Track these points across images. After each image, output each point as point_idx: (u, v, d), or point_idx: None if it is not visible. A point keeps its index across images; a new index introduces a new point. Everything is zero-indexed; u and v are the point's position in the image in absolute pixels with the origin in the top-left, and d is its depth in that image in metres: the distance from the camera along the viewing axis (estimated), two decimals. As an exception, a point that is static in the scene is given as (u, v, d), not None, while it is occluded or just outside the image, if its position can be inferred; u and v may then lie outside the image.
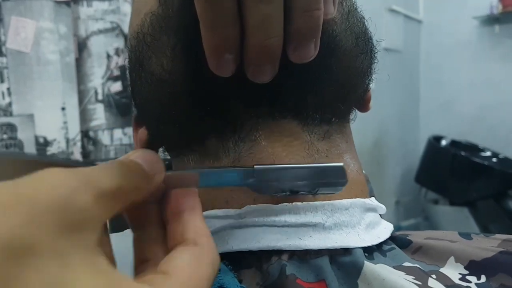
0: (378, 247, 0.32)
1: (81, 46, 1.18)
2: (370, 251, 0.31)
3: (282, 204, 0.30)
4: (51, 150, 1.12)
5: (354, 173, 0.34)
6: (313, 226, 0.30)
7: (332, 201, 0.31)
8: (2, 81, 1.08)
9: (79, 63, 1.17)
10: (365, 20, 0.36)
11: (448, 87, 2.94)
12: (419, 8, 3.01)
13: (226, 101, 0.31)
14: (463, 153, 2.54)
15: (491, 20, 2.70)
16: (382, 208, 0.35)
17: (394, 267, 0.29)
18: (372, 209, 0.33)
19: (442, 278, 0.29)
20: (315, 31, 0.28)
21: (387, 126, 2.65)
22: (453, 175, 2.54)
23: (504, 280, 0.28)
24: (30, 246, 0.16)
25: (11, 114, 1.10)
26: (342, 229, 0.30)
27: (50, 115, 1.11)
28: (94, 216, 0.19)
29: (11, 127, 1.10)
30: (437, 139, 2.75)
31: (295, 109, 0.31)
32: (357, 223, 0.31)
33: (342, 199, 0.31)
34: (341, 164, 0.28)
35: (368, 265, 0.29)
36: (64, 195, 0.18)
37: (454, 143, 2.75)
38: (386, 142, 2.65)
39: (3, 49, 1.08)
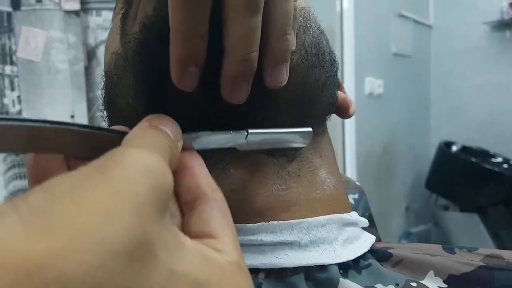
0: (355, 262, 0.32)
1: (90, 55, 1.19)
2: (346, 268, 0.31)
3: (258, 223, 0.30)
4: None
5: (331, 189, 0.34)
6: (289, 244, 0.30)
7: (308, 219, 0.31)
8: (13, 90, 1.10)
9: (88, 71, 1.19)
10: (319, 32, 0.35)
11: (459, 92, 2.92)
12: (429, 13, 3.00)
13: None
14: (473, 159, 2.52)
15: (501, 25, 2.68)
16: (363, 222, 0.35)
17: (367, 287, 0.29)
18: (352, 224, 0.33)
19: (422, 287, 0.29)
20: (288, 55, 0.29)
21: (397, 131, 2.64)
22: (464, 181, 2.52)
23: None
24: (145, 244, 0.16)
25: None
26: (319, 246, 0.31)
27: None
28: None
29: (21, 135, 1.12)
30: (448, 144, 2.73)
31: None
32: (335, 239, 0.31)
33: (318, 216, 0.31)
34: (310, 129, 0.32)
35: (343, 282, 0.29)
36: (160, 183, 0.18)
37: (464, 149, 2.73)
38: (396, 147, 2.64)
39: (14, 58, 1.10)
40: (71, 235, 0.14)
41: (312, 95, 0.33)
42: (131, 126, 0.33)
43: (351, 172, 2.17)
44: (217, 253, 0.21)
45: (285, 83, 0.29)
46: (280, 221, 0.30)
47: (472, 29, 2.80)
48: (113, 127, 0.25)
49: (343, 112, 0.39)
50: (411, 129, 2.81)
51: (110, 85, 0.34)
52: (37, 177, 0.23)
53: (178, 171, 0.24)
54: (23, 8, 1.09)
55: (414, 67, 2.82)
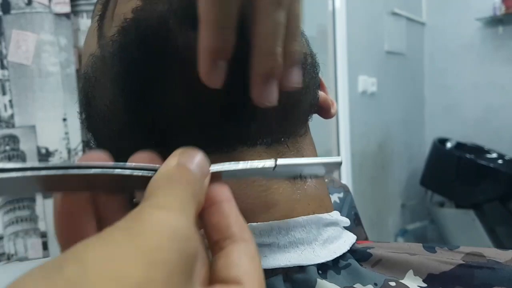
0: (335, 263, 0.32)
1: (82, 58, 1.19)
2: (325, 268, 0.31)
3: None
4: (53, 160, 1.13)
5: (312, 189, 0.34)
6: (268, 245, 0.30)
7: (287, 220, 0.31)
8: (4, 94, 1.10)
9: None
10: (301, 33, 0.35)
11: (453, 89, 2.93)
12: (422, 10, 3.00)
13: (172, 137, 0.31)
14: (468, 156, 2.52)
15: (494, 21, 2.69)
16: (343, 222, 0.35)
17: None
18: (332, 224, 0.34)
19: (401, 287, 0.29)
20: (299, 57, 0.29)
21: (391, 129, 2.64)
22: (459, 178, 2.53)
23: None
24: None
25: (13, 126, 1.11)
26: (298, 247, 0.31)
27: (52, 126, 1.12)
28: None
29: (14, 139, 1.12)
30: (442, 141, 2.74)
31: (241, 139, 0.32)
32: (314, 239, 0.31)
33: (298, 216, 0.32)
34: (339, 159, 0.30)
35: (320, 282, 0.29)
36: (187, 249, 0.18)
37: (459, 146, 2.73)
38: (390, 145, 2.64)
39: (5, 62, 1.10)
40: None
41: (296, 98, 0.33)
42: (109, 128, 0.33)
43: (346, 170, 2.17)
44: None
45: (300, 84, 0.29)
46: (259, 223, 0.30)
47: (465, 26, 2.81)
48: (143, 157, 0.24)
49: (325, 112, 0.40)
50: (405, 127, 2.81)
51: (87, 88, 0.34)
52: (64, 217, 0.23)
53: (206, 207, 0.23)
54: (13, 11, 1.09)
55: (407, 65, 2.83)
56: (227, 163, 0.26)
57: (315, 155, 0.37)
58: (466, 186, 2.50)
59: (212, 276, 0.21)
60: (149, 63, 0.29)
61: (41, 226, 1.11)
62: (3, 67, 1.09)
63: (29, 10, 1.10)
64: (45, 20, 1.12)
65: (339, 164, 0.30)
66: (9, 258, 1.08)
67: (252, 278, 0.21)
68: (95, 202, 0.24)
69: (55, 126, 1.13)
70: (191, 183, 0.22)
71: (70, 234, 0.23)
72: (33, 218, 1.11)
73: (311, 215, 0.32)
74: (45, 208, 1.11)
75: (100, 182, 0.23)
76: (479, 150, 2.67)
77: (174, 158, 0.23)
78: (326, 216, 0.33)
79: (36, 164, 0.20)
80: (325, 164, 0.30)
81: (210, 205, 0.23)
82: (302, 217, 0.32)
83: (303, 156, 0.35)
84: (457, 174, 2.53)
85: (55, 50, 1.13)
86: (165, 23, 0.28)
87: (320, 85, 0.41)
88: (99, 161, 0.23)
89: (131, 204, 0.25)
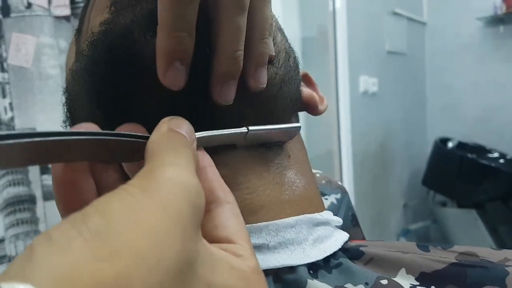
0: (326, 262, 0.32)
1: (81, 60, 1.19)
2: (316, 268, 0.31)
3: None
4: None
5: (301, 189, 0.34)
6: (258, 247, 0.30)
7: (276, 221, 0.31)
8: (4, 97, 1.10)
9: (80, 76, 1.19)
10: (277, 29, 0.36)
11: (454, 89, 2.93)
12: (423, 10, 3.00)
13: None
14: (470, 155, 2.52)
15: (495, 21, 2.69)
16: (335, 221, 0.35)
17: (336, 287, 0.29)
18: (322, 223, 0.33)
19: (393, 285, 0.29)
20: (266, 59, 0.31)
21: (392, 129, 2.64)
22: (461, 177, 2.52)
23: None
24: (189, 262, 0.18)
25: (13, 129, 1.12)
26: (288, 247, 0.31)
27: (52, 128, 1.13)
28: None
29: (14, 142, 1.12)
30: (444, 141, 2.73)
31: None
32: (304, 239, 0.31)
33: (287, 217, 0.32)
34: (299, 124, 0.35)
35: (311, 283, 0.29)
36: (197, 201, 0.20)
37: (461, 145, 2.73)
38: (392, 145, 2.64)
39: (5, 65, 1.10)
40: (134, 258, 0.16)
41: (271, 92, 0.33)
42: None
43: (347, 171, 2.17)
44: (239, 259, 0.22)
45: (265, 85, 0.31)
46: (247, 225, 0.30)
47: (466, 25, 2.81)
48: (129, 128, 0.26)
49: (312, 108, 0.39)
50: (406, 127, 2.81)
51: (69, 101, 0.35)
52: (65, 185, 0.24)
53: None
54: (12, 14, 1.09)
55: (408, 65, 2.82)
56: (206, 131, 0.28)
57: (304, 156, 0.37)
58: (468, 186, 2.49)
59: (204, 238, 0.22)
60: (117, 75, 0.30)
61: (42, 228, 1.11)
62: (3, 70, 1.10)
63: (28, 13, 1.11)
64: (45, 23, 1.12)
65: (299, 128, 0.35)
66: (10, 260, 1.09)
67: (241, 235, 0.23)
68: (93, 172, 0.25)
69: (55, 129, 1.13)
70: (187, 145, 0.23)
71: (71, 202, 0.24)
72: (33, 221, 1.11)
73: (300, 216, 0.32)
74: (46, 210, 1.12)
75: (92, 151, 0.23)
76: (481, 150, 2.67)
77: (164, 124, 0.24)
78: (316, 215, 0.33)
79: (29, 131, 0.20)
80: (288, 129, 0.34)
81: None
82: (292, 217, 0.32)
83: (290, 157, 0.35)
84: (459, 174, 2.52)
85: (55, 53, 1.13)
86: (130, 34, 0.29)
87: (308, 82, 0.41)
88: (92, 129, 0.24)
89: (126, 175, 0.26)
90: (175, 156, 0.22)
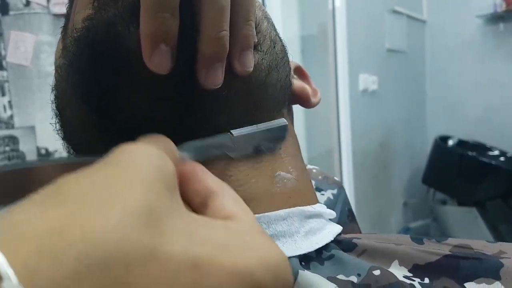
0: (318, 254, 0.32)
1: (80, 58, 1.20)
2: (307, 260, 0.31)
3: None
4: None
5: (292, 182, 0.34)
6: None
7: (267, 213, 0.31)
8: (3, 95, 1.10)
9: (79, 74, 1.19)
10: (263, 16, 0.36)
11: (454, 87, 2.93)
12: (423, 8, 3.00)
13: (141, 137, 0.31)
14: (470, 153, 2.52)
15: (495, 18, 2.68)
16: (327, 214, 0.35)
17: (328, 278, 0.29)
18: (315, 215, 0.34)
19: (386, 274, 0.29)
20: (252, 42, 0.31)
21: (392, 127, 2.64)
22: (461, 176, 2.52)
23: (447, 283, 0.29)
24: (153, 211, 0.17)
25: (13, 127, 1.12)
26: (279, 239, 0.31)
27: (51, 126, 1.13)
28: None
29: (13, 140, 1.12)
30: (444, 139, 2.73)
31: (210, 129, 0.31)
32: (296, 231, 0.31)
33: (278, 209, 0.32)
34: (285, 122, 0.34)
35: (303, 274, 0.29)
36: (162, 164, 0.20)
37: (461, 143, 2.73)
38: (392, 144, 2.64)
39: (4, 63, 1.10)
40: (85, 203, 0.16)
41: (259, 78, 0.33)
42: (78, 138, 0.34)
43: (347, 169, 2.17)
44: (236, 224, 0.21)
45: (252, 69, 0.31)
46: None
47: (466, 23, 2.81)
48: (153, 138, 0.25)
49: (304, 101, 0.39)
50: (407, 125, 2.81)
51: (57, 98, 0.35)
52: None
53: (182, 181, 0.24)
54: (11, 12, 1.09)
55: (408, 63, 2.82)
56: (185, 143, 0.28)
57: (297, 149, 0.37)
58: (468, 184, 2.49)
59: None
60: (102, 69, 0.30)
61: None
62: (2, 68, 1.10)
63: (27, 11, 1.11)
64: (44, 21, 1.12)
65: (285, 126, 0.34)
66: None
67: (242, 211, 0.22)
68: None
69: (54, 127, 1.13)
70: (162, 143, 0.23)
71: None
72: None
73: (292, 208, 0.32)
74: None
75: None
76: (481, 148, 2.67)
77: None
78: (308, 208, 0.33)
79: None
80: (273, 126, 0.33)
81: (186, 178, 0.24)
82: (283, 210, 0.32)
83: (281, 149, 0.35)
84: (459, 172, 2.52)
85: (54, 51, 1.13)
86: (112, 28, 0.29)
87: (301, 74, 0.41)
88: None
89: None
90: (141, 140, 0.22)
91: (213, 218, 0.21)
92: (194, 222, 0.19)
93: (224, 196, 0.23)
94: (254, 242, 0.20)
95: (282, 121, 0.34)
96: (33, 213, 0.15)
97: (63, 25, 0.36)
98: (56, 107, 0.36)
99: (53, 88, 0.35)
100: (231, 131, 0.30)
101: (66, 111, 0.34)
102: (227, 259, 0.18)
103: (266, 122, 0.33)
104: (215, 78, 0.29)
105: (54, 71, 0.36)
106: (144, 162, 0.19)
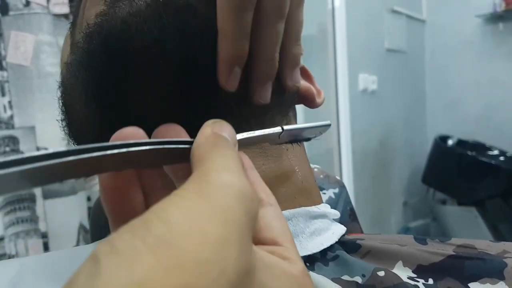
0: (322, 254, 0.32)
1: (80, 58, 1.19)
2: (312, 260, 0.31)
3: None
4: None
5: (298, 182, 0.34)
6: None
7: None
8: (3, 95, 1.10)
9: (79, 74, 1.18)
10: None
11: (454, 86, 2.93)
12: (422, 7, 3.00)
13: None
14: (469, 153, 2.52)
15: (494, 18, 2.68)
16: (332, 214, 0.35)
17: (333, 279, 0.29)
18: (320, 216, 0.34)
19: (390, 276, 0.29)
20: (300, 60, 0.34)
21: (392, 127, 2.64)
22: (461, 175, 2.52)
23: (451, 284, 0.29)
24: (248, 271, 0.17)
25: (13, 127, 1.11)
26: None
27: (51, 127, 1.13)
28: None
29: (13, 140, 1.12)
30: (443, 139, 2.73)
31: None
32: (301, 232, 0.32)
33: (284, 210, 0.32)
34: (329, 122, 0.35)
35: None
36: (251, 208, 0.19)
37: (460, 143, 2.73)
38: (392, 143, 2.64)
39: (4, 63, 1.10)
40: (199, 269, 0.16)
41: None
42: (86, 136, 0.33)
43: (347, 169, 2.17)
44: (288, 263, 0.21)
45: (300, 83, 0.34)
46: None
47: (466, 23, 2.81)
48: (168, 129, 0.25)
49: (309, 101, 0.40)
50: (406, 125, 2.81)
51: (65, 95, 0.35)
52: (113, 193, 0.24)
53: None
54: (11, 13, 1.09)
55: (408, 63, 2.82)
56: (245, 133, 0.28)
57: (302, 149, 0.37)
58: (468, 184, 2.49)
59: None
60: (114, 67, 0.30)
61: (42, 226, 1.11)
62: (2, 69, 1.10)
63: (27, 11, 1.10)
64: (44, 21, 1.12)
65: (329, 125, 0.35)
66: (9, 258, 1.09)
67: (286, 237, 0.23)
68: (139, 178, 0.25)
69: (54, 127, 1.13)
70: (232, 148, 0.23)
71: (120, 209, 0.24)
72: (33, 219, 1.11)
73: (298, 208, 0.32)
74: (46, 208, 1.12)
75: (135, 160, 0.23)
76: (481, 147, 2.67)
77: (207, 128, 0.24)
78: (313, 208, 0.33)
79: (75, 148, 0.20)
80: (319, 127, 0.34)
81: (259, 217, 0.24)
82: (289, 210, 0.32)
83: (287, 150, 0.35)
84: (459, 172, 2.52)
85: (54, 51, 1.13)
86: (126, 27, 0.29)
87: (305, 75, 0.41)
88: (134, 137, 0.23)
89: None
90: (225, 160, 0.21)
91: (271, 257, 0.21)
92: (263, 272, 0.19)
93: (271, 212, 0.24)
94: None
95: (327, 122, 0.36)
96: (154, 273, 0.15)
97: (71, 21, 0.36)
98: (63, 103, 0.35)
99: (60, 85, 0.35)
100: (283, 126, 0.31)
101: (74, 107, 0.34)
102: None
103: (312, 123, 0.34)
104: (266, 96, 0.31)
105: (58, 69, 0.35)
106: (238, 209, 0.18)
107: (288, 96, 0.36)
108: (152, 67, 0.29)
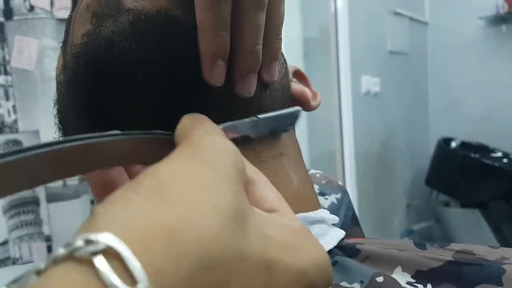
0: None
1: (84, 62, 1.20)
2: None
3: None
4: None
5: (294, 187, 0.34)
6: None
7: None
8: (8, 99, 1.11)
9: (82, 78, 1.19)
10: None
11: (456, 88, 2.92)
12: (424, 9, 2.99)
13: None
14: (473, 155, 2.51)
15: (497, 20, 2.68)
16: (330, 219, 0.35)
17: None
18: (318, 221, 0.34)
19: (389, 281, 0.30)
20: (279, 53, 0.33)
21: (395, 129, 2.64)
22: (464, 177, 2.52)
23: None
24: (241, 211, 0.18)
25: (17, 131, 1.12)
26: None
27: (55, 131, 1.13)
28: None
29: (17, 144, 1.13)
30: (447, 141, 2.73)
31: None
32: None
33: None
34: (299, 108, 0.34)
35: None
36: (238, 160, 0.21)
37: (464, 145, 2.72)
38: (394, 145, 2.64)
39: (8, 68, 1.11)
40: (192, 204, 0.17)
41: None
42: None
43: (350, 171, 2.17)
44: (287, 219, 0.22)
45: (277, 77, 0.33)
46: None
47: (468, 25, 2.80)
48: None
49: (305, 104, 0.40)
50: (409, 126, 2.80)
51: (59, 113, 0.36)
52: (103, 187, 0.25)
53: None
54: (15, 17, 1.10)
55: (410, 65, 2.82)
56: (223, 123, 0.29)
57: (298, 154, 0.37)
58: (471, 185, 2.49)
59: None
60: (100, 86, 0.30)
61: (46, 230, 1.12)
62: (6, 73, 1.10)
63: (31, 16, 1.11)
64: (47, 26, 1.13)
65: (299, 111, 0.34)
66: (14, 262, 1.09)
67: (282, 203, 0.24)
68: (127, 170, 0.26)
69: (58, 131, 1.14)
70: (213, 123, 0.25)
71: None
72: (37, 222, 1.11)
73: (295, 214, 0.32)
74: (50, 212, 1.12)
75: (129, 154, 0.24)
76: (484, 149, 2.66)
77: (186, 117, 0.25)
78: (311, 214, 0.33)
79: (55, 140, 0.21)
80: (291, 113, 0.34)
81: None
82: None
83: (281, 155, 0.35)
84: (462, 174, 2.52)
85: (58, 56, 1.14)
86: (110, 46, 0.30)
87: (300, 78, 0.42)
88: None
89: None
90: (208, 128, 0.23)
91: (270, 214, 0.22)
92: (262, 220, 0.20)
93: (264, 186, 0.24)
94: (307, 241, 0.21)
95: (297, 108, 0.35)
96: (147, 209, 0.16)
97: (63, 40, 0.36)
98: (58, 121, 0.37)
99: (55, 103, 0.36)
100: (258, 115, 0.31)
101: (68, 125, 0.35)
102: (291, 260, 0.19)
103: (283, 109, 0.34)
104: (250, 88, 0.31)
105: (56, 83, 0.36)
106: (226, 161, 0.20)
107: (279, 97, 0.36)
108: (136, 84, 0.29)
